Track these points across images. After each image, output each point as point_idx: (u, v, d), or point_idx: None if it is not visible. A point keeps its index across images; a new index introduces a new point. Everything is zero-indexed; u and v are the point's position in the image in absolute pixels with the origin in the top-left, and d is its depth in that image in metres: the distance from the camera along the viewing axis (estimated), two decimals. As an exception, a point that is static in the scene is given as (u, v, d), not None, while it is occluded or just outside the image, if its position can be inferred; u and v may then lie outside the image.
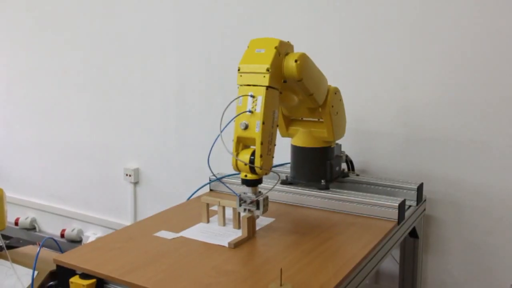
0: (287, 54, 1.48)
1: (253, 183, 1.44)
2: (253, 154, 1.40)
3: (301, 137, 1.76)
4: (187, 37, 2.48)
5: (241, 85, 1.45)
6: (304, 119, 1.78)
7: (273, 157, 1.45)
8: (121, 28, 2.69)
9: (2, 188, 2.14)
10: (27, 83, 3.16)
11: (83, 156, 2.98)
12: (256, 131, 1.39)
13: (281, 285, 1.15)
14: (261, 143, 1.39)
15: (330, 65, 1.98)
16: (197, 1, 2.41)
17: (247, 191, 1.45)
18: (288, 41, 1.50)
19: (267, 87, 1.41)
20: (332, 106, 1.68)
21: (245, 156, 1.41)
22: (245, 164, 1.41)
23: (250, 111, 1.41)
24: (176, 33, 2.51)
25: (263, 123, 1.39)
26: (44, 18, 3.00)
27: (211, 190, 1.94)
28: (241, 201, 1.46)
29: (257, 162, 1.39)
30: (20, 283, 1.94)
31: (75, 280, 1.25)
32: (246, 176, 1.43)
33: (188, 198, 1.86)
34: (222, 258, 1.33)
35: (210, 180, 1.93)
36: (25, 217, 3.28)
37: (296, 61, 1.45)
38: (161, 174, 2.70)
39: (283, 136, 1.82)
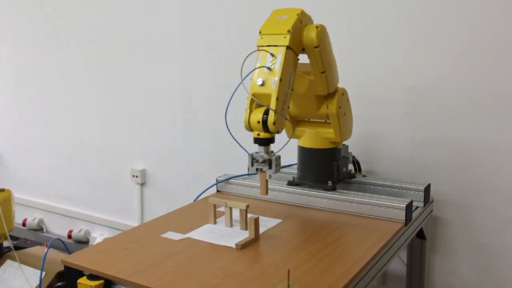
0: (306, 25, 1.53)
1: (265, 142, 1.45)
2: (266, 112, 1.41)
3: (308, 138, 1.76)
4: (194, 38, 2.48)
5: (261, 46, 1.49)
6: (311, 120, 1.78)
7: (286, 118, 1.46)
8: (129, 30, 2.69)
9: (10, 189, 2.15)
10: (34, 85, 3.18)
11: (90, 157, 2.99)
12: (273, 87, 1.41)
13: (288, 286, 1.15)
14: (277, 99, 1.40)
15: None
16: (204, 3, 2.42)
17: (259, 150, 1.47)
18: (309, 15, 1.57)
19: (287, 47, 1.44)
20: (340, 107, 1.68)
21: (258, 114, 1.42)
22: (258, 122, 1.41)
23: (268, 68, 1.44)
24: (183, 34, 2.51)
25: (281, 80, 1.42)
26: (52, 20, 3.01)
27: (218, 191, 1.94)
28: (253, 160, 1.47)
29: (271, 118, 1.39)
30: (28, 284, 1.95)
31: (83, 281, 1.26)
32: (258, 134, 1.44)
33: (195, 199, 1.87)
34: (229, 259, 1.33)
35: (217, 181, 1.93)
36: (32, 218, 3.30)
37: (317, 27, 1.51)
38: (168, 175, 2.70)
39: (289, 137, 1.82)
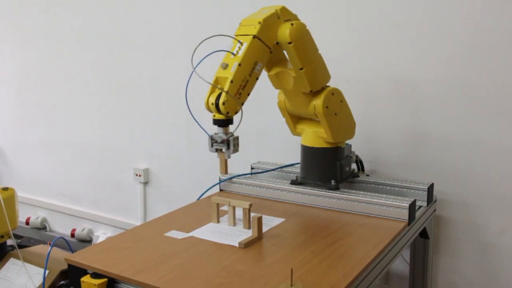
0: (288, 20, 1.57)
1: (222, 123, 1.54)
2: (219, 95, 1.48)
3: (310, 137, 1.76)
4: (197, 38, 2.47)
5: (236, 35, 1.56)
6: (312, 119, 1.78)
7: (242, 103, 1.51)
8: (132, 29, 2.70)
9: (14, 188, 2.16)
10: (38, 84, 3.18)
11: (94, 156, 2.99)
12: (231, 70, 1.48)
13: (291, 285, 1.15)
14: (231, 81, 1.47)
15: (338, 66, 1.98)
16: (207, 2, 2.42)
17: (218, 131, 1.55)
18: (295, 14, 1.60)
19: (254, 36, 1.51)
20: (327, 107, 1.66)
21: (214, 96, 1.49)
22: (212, 104, 1.49)
23: (233, 54, 1.52)
24: (185, 33, 2.51)
25: (240, 65, 1.48)
26: (55, 19, 3.01)
27: (221, 190, 1.94)
28: (213, 141, 1.55)
29: (222, 99, 1.46)
30: (31, 282, 1.95)
31: (86, 279, 1.26)
32: (214, 116, 1.52)
33: (198, 198, 1.87)
34: (232, 258, 1.33)
35: (220, 180, 1.93)
36: (36, 217, 3.31)
37: (292, 24, 1.55)
38: (170, 174, 2.71)
39: (293, 134, 1.83)
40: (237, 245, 1.40)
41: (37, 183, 3.32)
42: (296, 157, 1.89)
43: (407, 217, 1.57)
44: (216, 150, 1.57)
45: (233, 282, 1.19)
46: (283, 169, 1.99)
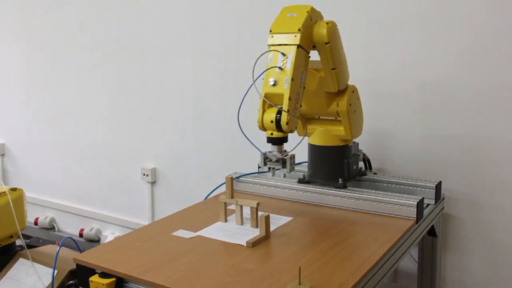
0: (316, 21, 1.53)
1: (279, 141, 1.45)
2: (279, 112, 1.41)
3: (318, 136, 1.76)
4: (204, 37, 2.48)
5: (272, 45, 1.48)
6: (322, 117, 1.78)
7: (298, 117, 1.45)
8: (139, 30, 2.70)
9: (22, 188, 2.17)
10: (46, 85, 3.20)
11: (101, 156, 3.00)
12: (284, 86, 1.41)
13: (299, 283, 1.15)
14: (289, 99, 1.40)
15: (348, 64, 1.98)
16: (213, 1, 2.42)
17: (272, 149, 1.46)
18: (319, 11, 1.56)
19: (298, 46, 1.44)
20: (350, 105, 1.68)
21: (271, 114, 1.42)
22: (271, 122, 1.41)
23: (280, 68, 1.43)
24: (192, 33, 2.51)
25: (292, 79, 1.41)
26: (62, 19, 3.03)
27: (228, 189, 1.94)
28: (266, 159, 1.47)
29: (284, 118, 1.39)
30: (40, 282, 1.96)
31: (95, 279, 1.26)
32: (272, 134, 1.44)
33: (206, 197, 1.87)
34: (240, 257, 1.33)
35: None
36: (44, 217, 3.32)
37: (327, 23, 1.51)
38: (178, 174, 2.71)
39: (300, 134, 1.82)
40: (245, 244, 1.40)
41: (45, 183, 3.33)
42: (302, 156, 1.88)
43: (415, 215, 1.57)
44: (269, 168, 1.48)
45: (241, 281, 1.19)
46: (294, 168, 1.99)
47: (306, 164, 1.84)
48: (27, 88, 3.32)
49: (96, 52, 2.91)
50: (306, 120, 1.81)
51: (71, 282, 1.77)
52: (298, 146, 1.86)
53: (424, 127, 1.97)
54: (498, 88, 1.82)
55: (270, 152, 1.47)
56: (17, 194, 2.11)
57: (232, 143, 2.47)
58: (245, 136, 1.50)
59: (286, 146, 1.49)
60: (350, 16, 2.06)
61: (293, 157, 1.47)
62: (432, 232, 1.83)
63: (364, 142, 2.01)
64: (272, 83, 1.43)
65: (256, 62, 1.46)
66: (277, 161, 1.46)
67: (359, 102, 1.76)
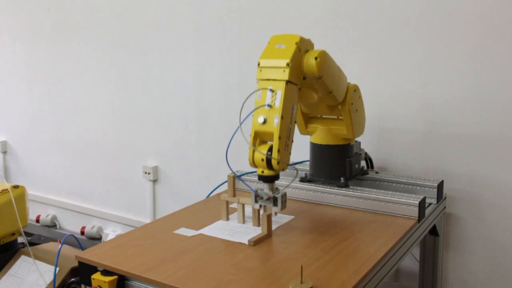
0: (307, 51, 1.47)
1: (270, 179, 1.41)
2: (270, 149, 1.38)
3: (320, 135, 1.76)
4: (206, 35, 2.48)
5: (260, 80, 1.44)
6: (324, 116, 1.78)
7: (290, 153, 1.43)
8: (141, 27, 2.70)
9: (24, 186, 2.17)
10: (47, 82, 3.20)
11: (103, 154, 3.01)
12: (274, 125, 1.37)
13: (301, 282, 1.15)
14: (279, 138, 1.37)
15: (349, 63, 1.97)
16: (215, -1, 2.42)
17: (264, 187, 1.43)
18: (308, 39, 1.50)
19: (287, 82, 1.39)
20: (352, 104, 1.67)
21: (262, 152, 1.40)
22: (262, 160, 1.39)
23: (269, 105, 1.39)
24: (195, 30, 2.51)
25: (282, 117, 1.37)
26: (65, 16, 3.03)
27: (230, 187, 1.94)
28: (258, 197, 1.44)
29: (275, 156, 1.37)
30: (42, 279, 1.96)
31: (96, 276, 1.27)
32: (263, 172, 1.41)
33: (208, 196, 1.87)
34: (242, 256, 1.33)
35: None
36: (46, 215, 3.32)
37: (316, 58, 1.44)
38: (180, 172, 2.71)
39: (302, 133, 1.82)
40: (246, 242, 1.41)
41: (47, 181, 3.33)
42: (304, 155, 1.88)
43: (417, 215, 1.57)
44: (260, 206, 1.44)
45: (243, 280, 1.19)
46: (292, 166, 1.99)
47: (308, 163, 1.84)
48: (29, 86, 3.32)
49: (98, 50, 2.91)
50: (308, 119, 1.80)
51: (72, 279, 1.77)
52: (300, 145, 1.87)
53: (426, 127, 1.97)
54: (502, 87, 1.81)
55: (261, 190, 1.44)
56: (19, 192, 2.11)
57: (234, 141, 2.46)
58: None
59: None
60: (352, 19, 2.05)
61: (284, 195, 1.43)
62: (434, 231, 1.83)
63: (366, 141, 2.01)
64: (261, 121, 1.39)
65: (244, 103, 1.40)
66: (268, 199, 1.42)
67: (361, 101, 1.76)
